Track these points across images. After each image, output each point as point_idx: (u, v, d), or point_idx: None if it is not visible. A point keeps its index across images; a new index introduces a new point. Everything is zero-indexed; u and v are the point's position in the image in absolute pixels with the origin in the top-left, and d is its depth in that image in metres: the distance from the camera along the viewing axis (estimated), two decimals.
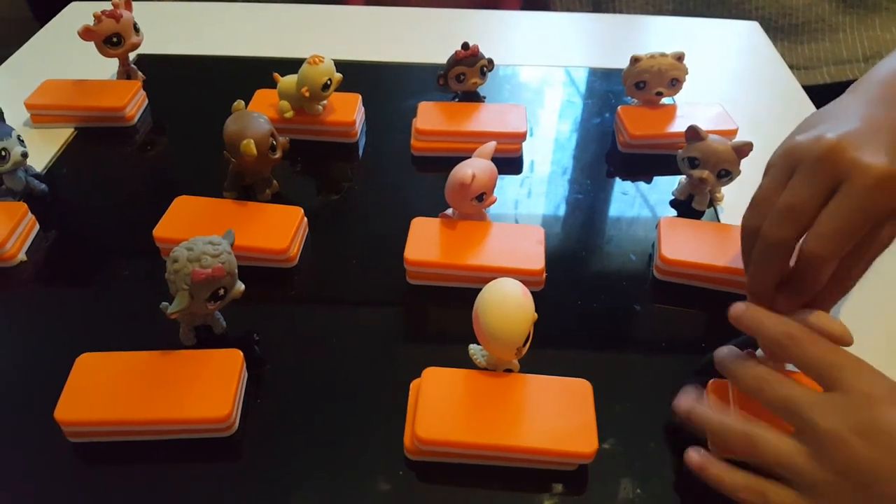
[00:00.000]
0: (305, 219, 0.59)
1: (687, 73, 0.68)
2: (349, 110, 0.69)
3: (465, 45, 0.71)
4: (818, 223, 0.41)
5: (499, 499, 0.43)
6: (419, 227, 0.56)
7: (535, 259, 0.54)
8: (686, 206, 0.63)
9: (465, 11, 0.96)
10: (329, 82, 0.65)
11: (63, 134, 0.71)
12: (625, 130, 0.69)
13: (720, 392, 0.46)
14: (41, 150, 0.68)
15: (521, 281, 0.44)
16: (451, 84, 0.72)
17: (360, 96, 0.71)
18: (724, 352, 0.44)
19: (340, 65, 0.66)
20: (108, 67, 0.77)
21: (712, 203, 0.63)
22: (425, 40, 0.88)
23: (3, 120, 0.60)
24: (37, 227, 0.59)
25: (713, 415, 0.41)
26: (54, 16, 0.92)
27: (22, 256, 0.57)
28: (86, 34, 0.70)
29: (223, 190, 0.61)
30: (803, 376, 0.40)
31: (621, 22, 0.98)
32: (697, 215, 0.62)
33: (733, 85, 0.81)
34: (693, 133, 0.59)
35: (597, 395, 0.44)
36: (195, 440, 0.44)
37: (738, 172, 0.59)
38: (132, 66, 0.76)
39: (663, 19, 0.97)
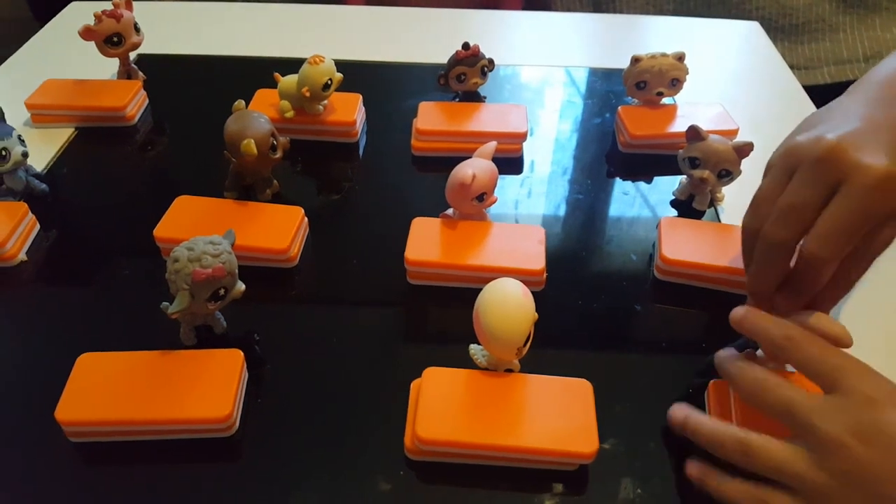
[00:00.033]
0: (306, 219, 0.59)
1: (687, 73, 0.68)
2: (350, 110, 0.69)
3: (466, 45, 0.71)
4: (818, 224, 0.41)
5: (499, 499, 0.43)
6: (420, 227, 0.56)
7: (535, 259, 0.54)
8: (687, 207, 0.63)
9: (466, 11, 0.96)
10: (330, 82, 0.65)
11: (63, 134, 0.71)
12: (625, 130, 0.69)
13: (721, 393, 0.46)
14: (42, 149, 0.68)
15: (521, 281, 0.44)
16: (452, 84, 0.72)
17: (360, 96, 0.71)
18: (723, 355, 0.44)
19: (341, 65, 0.66)
20: (108, 67, 0.77)
21: (713, 203, 0.63)
22: (426, 40, 0.88)
23: (4, 120, 0.60)
24: (37, 226, 0.59)
25: (707, 424, 0.41)
26: (55, 16, 0.92)
27: (22, 256, 0.57)
28: (86, 34, 0.70)
29: (224, 190, 0.61)
30: (804, 379, 0.40)
31: (622, 22, 0.98)
32: (698, 215, 0.62)
33: (734, 85, 0.81)
34: (694, 133, 0.59)
35: (597, 395, 0.44)
36: (196, 440, 0.44)
37: (739, 172, 0.59)
38: (133, 65, 0.76)
39: (664, 19, 0.97)
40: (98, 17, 0.70)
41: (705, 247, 0.55)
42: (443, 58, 0.72)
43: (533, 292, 0.44)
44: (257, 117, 0.58)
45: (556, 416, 0.43)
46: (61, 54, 0.83)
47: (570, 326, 0.53)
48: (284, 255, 0.55)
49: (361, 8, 0.98)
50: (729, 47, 0.90)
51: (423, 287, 0.55)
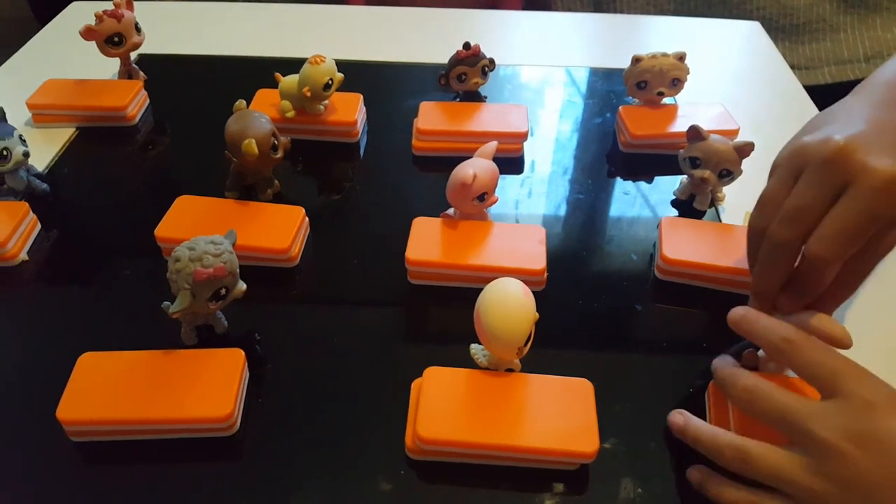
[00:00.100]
0: (307, 218, 0.59)
1: (688, 73, 0.68)
2: (350, 110, 0.69)
3: (467, 45, 0.71)
4: (823, 225, 0.41)
5: (500, 498, 0.43)
6: (420, 226, 0.56)
7: (536, 259, 0.54)
8: (687, 206, 0.63)
9: (467, 11, 0.96)
10: (330, 82, 0.65)
11: (64, 133, 0.71)
12: (626, 130, 0.69)
13: (721, 394, 0.46)
14: (43, 149, 0.68)
15: (522, 281, 0.44)
16: (453, 84, 0.72)
17: (361, 96, 0.71)
18: (717, 363, 0.44)
19: (342, 65, 0.66)
20: (109, 67, 0.77)
21: (714, 203, 0.63)
22: (427, 40, 0.88)
23: (5, 119, 0.60)
24: (38, 226, 0.59)
25: (706, 431, 0.41)
26: (55, 16, 0.92)
27: (23, 256, 0.57)
28: (87, 34, 0.70)
29: (225, 190, 0.61)
30: (803, 383, 0.40)
31: (622, 22, 0.98)
32: (699, 215, 0.62)
33: (734, 85, 0.81)
34: (694, 133, 0.59)
35: (598, 395, 0.44)
36: (196, 440, 0.44)
37: (740, 172, 0.59)
38: (133, 65, 0.76)
39: (664, 19, 0.97)
40: (99, 17, 0.70)
41: (706, 247, 0.55)
42: (443, 58, 0.72)
43: (534, 292, 0.44)
44: (258, 117, 0.58)
45: (557, 416, 0.43)
46: (62, 54, 0.83)
47: (570, 326, 0.53)
48: (285, 255, 0.55)
49: (362, 8, 0.98)
50: (730, 47, 0.90)
51: (424, 287, 0.55)
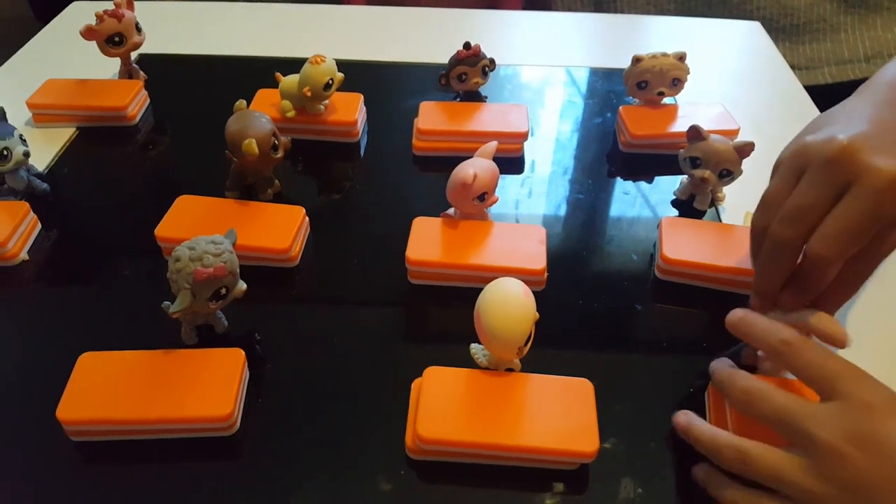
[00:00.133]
0: (307, 218, 0.59)
1: (688, 73, 0.68)
2: (351, 110, 0.69)
3: (467, 45, 0.71)
4: (824, 224, 0.41)
5: (500, 498, 0.43)
6: (420, 226, 0.56)
7: (536, 259, 0.54)
8: (687, 206, 0.63)
9: (467, 11, 0.96)
10: (331, 82, 0.65)
11: (65, 133, 0.71)
12: (626, 130, 0.69)
13: (720, 395, 0.46)
14: (43, 149, 0.68)
15: (522, 280, 0.44)
16: (453, 84, 0.72)
17: (361, 96, 0.71)
18: (715, 365, 0.44)
19: (342, 64, 0.66)
20: (109, 67, 0.77)
21: (714, 203, 0.63)
22: (427, 40, 0.88)
23: (5, 119, 0.60)
24: (38, 226, 0.59)
25: (706, 431, 0.41)
26: (56, 15, 0.92)
27: (24, 256, 0.57)
28: (88, 33, 0.70)
29: (225, 189, 0.61)
30: (801, 384, 0.40)
31: (623, 22, 0.98)
32: (699, 215, 0.62)
33: (735, 85, 0.81)
34: (695, 133, 0.59)
35: (598, 395, 0.44)
36: (196, 439, 0.44)
37: (740, 172, 0.59)
38: (134, 65, 0.76)
39: (665, 19, 0.97)
40: (99, 17, 0.70)
41: (706, 247, 0.55)
42: (444, 57, 0.72)
43: (534, 292, 0.44)
44: (259, 117, 0.58)
45: (557, 416, 0.43)
46: (63, 54, 0.83)
47: (570, 326, 0.53)
48: (285, 255, 0.55)
49: (362, 8, 0.98)
50: (730, 47, 0.90)
51: (424, 286, 0.55)
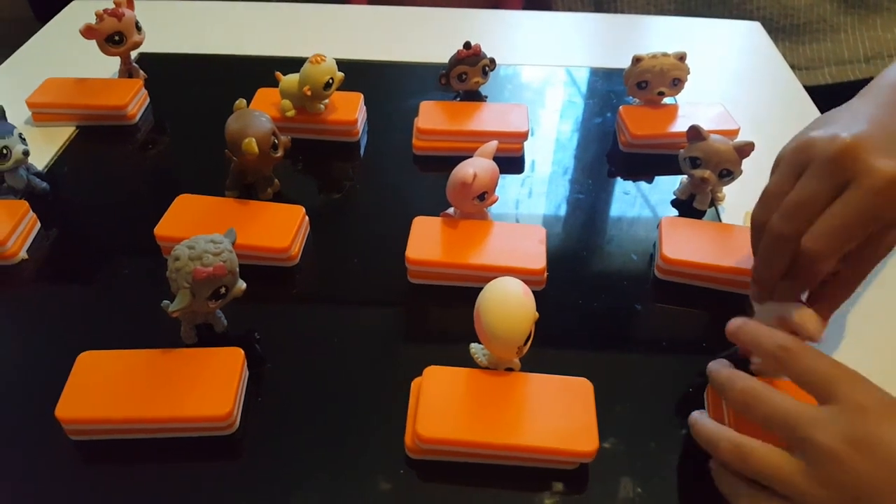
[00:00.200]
0: (307, 218, 0.59)
1: (689, 73, 0.68)
2: (351, 109, 0.69)
3: (468, 45, 0.71)
4: (819, 220, 0.41)
5: (500, 497, 0.43)
6: (420, 226, 0.56)
7: (536, 258, 0.54)
8: (687, 206, 0.63)
9: (468, 11, 0.96)
10: (331, 81, 0.65)
11: (64, 132, 0.71)
12: (626, 130, 0.69)
13: (718, 396, 0.46)
14: (42, 148, 0.68)
15: (522, 280, 0.44)
16: (453, 83, 0.72)
17: (361, 95, 0.71)
18: (713, 366, 0.44)
19: (342, 64, 0.66)
20: (109, 66, 0.77)
21: (714, 203, 0.63)
22: (427, 40, 0.88)
23: (5, 118, 0.60)
24: (38, 225, 0.59)
25: (708, 426, 0.41)
26: (55, 15, 0.92)
27: (23, 255, 0.57)
28: (87, 32, 0.70)
29: (225, 188, 0.61)
30: (798, 389, 0.40)
31: (623, 22, 0.98)
32: (699, 215, 0.62)
33: (735, 85, 0.81)
34: (695, 133, 0.59)
35: (598, 395, 0.44)
36: (196, 438, 0.44)
37: (740, 172, 0.59)
38: (134, 64, 0.76)
39: (665, 19, 0.97)
40: (99, 16, 0.70)
41: (706, 246, 0.55)
42: (444, 57, 0.72)
43: (533, 291, 0.44)
44: (258, 116, 0.58)
45: (557, 415, 0.43)
46: (62, 53, 0.83)
47: (570, 326, 0.53)
48: (285, 254, 0.55)
49: (362, 7, 0.98)
50: (730, 47, 0.90)
51: (424, 286, 0.55)
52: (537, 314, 0.43)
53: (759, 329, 0.42)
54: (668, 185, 0.66)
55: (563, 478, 0.43)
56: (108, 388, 0.44)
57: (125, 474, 0.43)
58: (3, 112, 0.60)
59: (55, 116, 0.71)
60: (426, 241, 0.55)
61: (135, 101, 0.72)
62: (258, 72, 0.73)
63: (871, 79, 0.50)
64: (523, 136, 0.68)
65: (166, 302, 0.46)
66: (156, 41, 0.79)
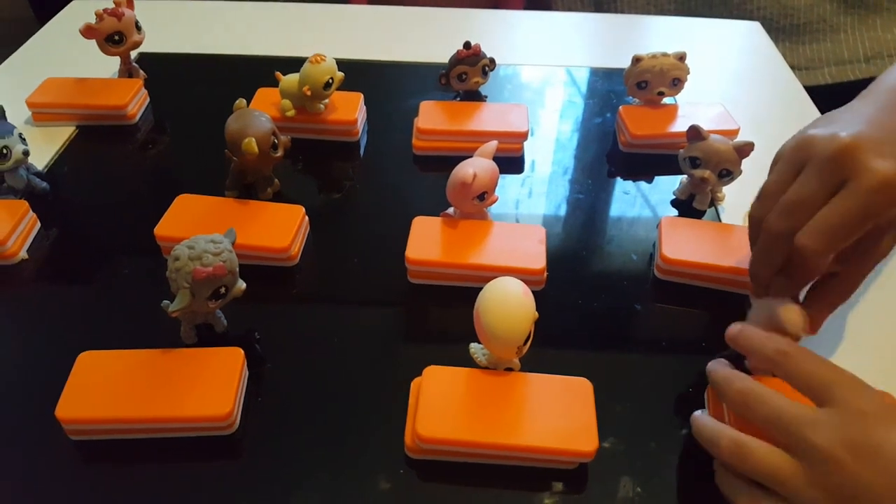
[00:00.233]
0: (307, 217, 0.59)
1: (688, 73, 0.68)
2: (351, 109, 0.69)
3: (467, 45, 0.71)
4: (814, 218, 0.41)
5: (499, 497, 0.43)
6: (420, 226, 0.56)
7: (536, 258, 0.54)
8: (687, 206, 0.63)
9: (468, 11, 0.96)
10: (331, 81, 0.65)
11: (64, 132, 0.71)
12: (626, 130, 0.69)
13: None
14: (42, 148, 0.68)
15: (522, 280, 0.44)
16: (453, 83, 0.72)
17: (361, 95, 0.71)
18: (712, 366, 0.44)
19: (342, 64, 0.66)
20: (109, 66, 0.77)
21: (713, 203, 0.63)
22: (427, 39, 0.88)
23: (5, 118, 0.60)
24: (38, 225, 0.59)
25: (709, 426, 0.41)
26: (55, 15, 0.92)
27: (23, 254, 0.57)
28: (87, 32, 0.70)
29: (225, 188, 0.61)
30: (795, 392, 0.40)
31: (623, 22, 0.98)
32: (698, 215, 0.62)
33: (735, 85, 0.81)
34: (694, 133, 0.59)
35: (597, 395, 0.44)
36: (196, 438, 0.44)
37: (740, 172, 0.59)
38: (134, 64, 0.76)
39: (665, 19, 0.97)
40: (99, 16, 0.70)
41: (706, 246, 0.55)
42: (444, 57, 0.72)
43: (533, 291, 0.44)
44: (258, 116, 0.58)
45: (557, 415, 0.43)
46: (62, 53, 0.83)
47: (570, 326, 0.53)
48: (285, 254, 0.55)
49: (363, 7, 0.98)
50: (730, 47, 0.90)
51: (424, 286, 0.55)
52: (537, 314, 0.43)
53: (757, 334, 0.43)
54: (667, 185, 0.66)
55: (563, 478, 0.43)
56: (108, 388, 0.44)
57: (125, 474, 0.43)
58: (3, 112, 0.60)
59: (55, 116, 0.71)
60: (426, 241, 0.55)
61: (135, 100, 0.72)
62: (258, 72, 0.73)
63: (871, 79, 0.50)
64: (523, 136, 0.68)
65: (166, 302, 0.46)
66: (156, 41, 0.79)
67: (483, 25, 0.93)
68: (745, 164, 0.58)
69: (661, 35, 0.93)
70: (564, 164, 0.69)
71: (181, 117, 0.75)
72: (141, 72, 0.76)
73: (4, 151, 0.58)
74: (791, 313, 0.45)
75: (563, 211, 0.64)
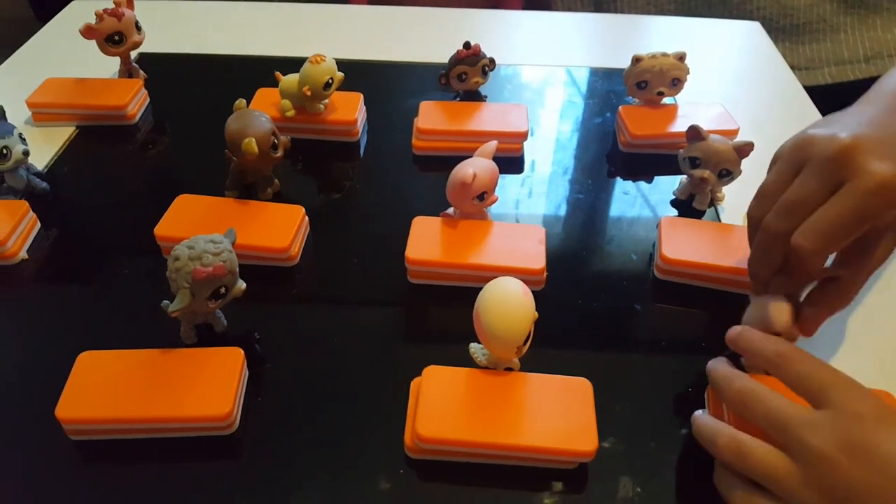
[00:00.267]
0: (307, 218, 0.59)
1: (688, 73, 0.68)
2: (351, 109, 0.69)
3: (467, 45, 0.71)
4: (811, 218, 0.42)
5: (499, 497, 0.43)
6: (420, 226, 0.56)
7: (535, 258, 0.54)
8: (687, 206, 0.63)
9: (467, 11, 0.96)
10: (331, 81, 0.65)
11: (64, 132, 0.71)
12: (626, 130, 0.69)
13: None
14: (42, 148, 0.68)
15: (521, 280, 0.44)
16: (453, 83, 0.72)
17: (361, 95, 0.71)
18: (712, 365, 0.44)
19: (342, 64, 0.66)
20: (109, 66, 0.77)
21: (713, 203, 0.63)
22: (427, 40, 0.88)
23: (5, 118, 0.60)
24: (38, 225, 0.59)
25: (708, 424, 0.41)
26: (55, 15, 0.92)
27: (23, 255, 0.57)
28: (87, 32, 0.70)
29: (225, 189, 0.61)
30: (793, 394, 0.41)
31: (623, 22, 0.98)
32: (698, 215, 0.62)
33: (734, 85, 0.81)
34: (694, 133, 0.59)
35: (597, 394, 0.44)
36: (196, 438, 0.44)
37: (739, 172, 0.59)
38: (134, 64, 0.76)
39: (665, 19, 0.97)
40: (99, 16, 0.70)
41: (705, 246, 0.55)
42: (444, 57, 0.72)
43: (533, 291, 0.44)
44: (258, 116, 0.58)
45: (556, 415, 0.43)
46: (62, 53, 0.83)
47: (570, 326, 0.53)
48: (285, 254, 0.55)
49: (362, 7, 0.98)
50: (730, 47, 0.90)
51: (424, 286, 0.55)
52: (537, 314, 0.43)
53: (756, 336, 0.43)
54: (667, 185, 0.66)
55: (563, 477, 0.43)
56: (108, 388, 0.44)
57: (125, 474, 0.43)
58: (3, 112, 0.60)
59: (55, 116, 0.71)
60: (426, 241, 0.55)
61: (135, 101, 0.72)
62: (258, 72, 0.73)
63: (871, 79, 0.50)
64: (523, 136, 0.68)
65: (166, 302, 0.46)
66: (156, 41, 0.79)
67: (483, 25, 0.93)
68: (745, 164, 0.58)
69: (660, 35, 0.93)
70: (564, 164, 0.69)
71: (181, 117, 0.75)
72: (141, 72, 0.76)
73: (4, 152, 0.58)
74: (778, 310, 0.45)
75: (562, 211, 0.64)
